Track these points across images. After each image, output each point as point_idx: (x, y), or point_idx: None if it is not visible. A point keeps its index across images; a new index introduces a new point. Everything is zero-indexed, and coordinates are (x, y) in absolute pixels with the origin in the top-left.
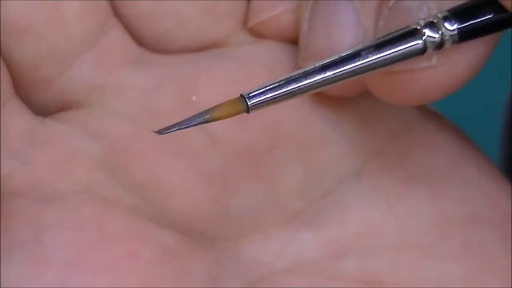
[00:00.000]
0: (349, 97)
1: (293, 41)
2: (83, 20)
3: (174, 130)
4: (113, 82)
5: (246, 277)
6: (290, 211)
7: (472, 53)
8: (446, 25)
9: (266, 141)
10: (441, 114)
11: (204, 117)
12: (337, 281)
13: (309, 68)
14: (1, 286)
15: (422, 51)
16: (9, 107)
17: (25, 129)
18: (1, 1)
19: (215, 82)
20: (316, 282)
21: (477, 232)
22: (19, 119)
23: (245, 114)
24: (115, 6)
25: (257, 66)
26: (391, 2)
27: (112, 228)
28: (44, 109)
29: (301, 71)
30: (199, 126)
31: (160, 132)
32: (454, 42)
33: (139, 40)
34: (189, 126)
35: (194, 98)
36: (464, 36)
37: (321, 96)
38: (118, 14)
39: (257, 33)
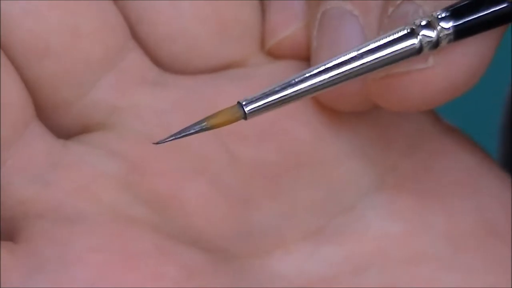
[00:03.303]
0: (361, 112)
1: (309, 59)
2: (102, 43)
3: (172, 140)
4: (132, 104)
5: None
6: (311, 227)
7: (470, 54)
8: (442, 23)
9: (285, 159)
10: (456, 127)
11: (201, 125)
12: None
13: (305, 73)
14: None
15: (418, 50)
16: (31, 130)
17: (47, 152)
18: (19, 23)
19: (231, 102)
20: None
21: (495, 245)
22: (41, 141)
23: (243, 121)
24: (133, 28)
25: None
26: (390, 10)
27: (136, 247)
28: (65, 132)
29: (297, 76)
30: (219, 143)
31: (158, 142)
32: (450, 41)
33: (157, 61)
34: (187, 135)
35: None
36: (460, 34)
37: (336, 114)
38: (136, 36)
39: (274, 54)
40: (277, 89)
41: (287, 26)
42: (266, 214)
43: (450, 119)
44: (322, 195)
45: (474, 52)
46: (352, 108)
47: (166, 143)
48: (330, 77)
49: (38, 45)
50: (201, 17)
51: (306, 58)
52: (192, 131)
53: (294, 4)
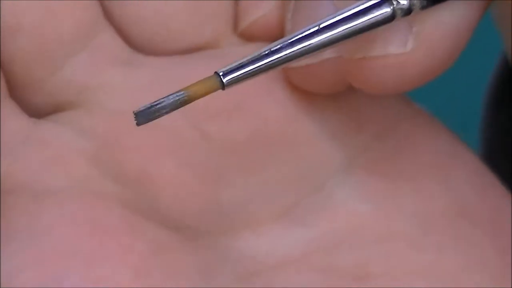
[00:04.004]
0: (333, 93)
1: None
2: (74, 21)
3: (155, 118)
4: (103, 83)
5: (237, 272)
6: (281, 206)
7: (448, 38)
8: None
9: (255, 138)
10: (428, 110)
11: (179, 96)
12: (329, 274)
13: (281, 42)
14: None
15: (391, 18)
16: (3, 108)
17: (18, 130)
18: None
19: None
20: (307, 276)
21: (466, 226)
22: (12, 120)
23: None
24: (106, 8)
25: None
26: None
27: (105, 222)
28: (37, 111)
29: (273, 45)
30: (190, 121)
31: (138, 123)
32: (423, 7)
33: (128, 41)
34: (169, 112)
35: None
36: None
37: (308, 94)
38: (108, 16)
39: (247, 36)
40: (254, 58)
41: (260, 8)
42: (235, 193)
43: (427, 107)
44: (293, 174)
45: (452, 36)
46: (326, 90)
47: (149, 122)
48: (306, 44)
49: (9, 22)
50: None
51: (278, 39)
52: (172, 106)
53: None
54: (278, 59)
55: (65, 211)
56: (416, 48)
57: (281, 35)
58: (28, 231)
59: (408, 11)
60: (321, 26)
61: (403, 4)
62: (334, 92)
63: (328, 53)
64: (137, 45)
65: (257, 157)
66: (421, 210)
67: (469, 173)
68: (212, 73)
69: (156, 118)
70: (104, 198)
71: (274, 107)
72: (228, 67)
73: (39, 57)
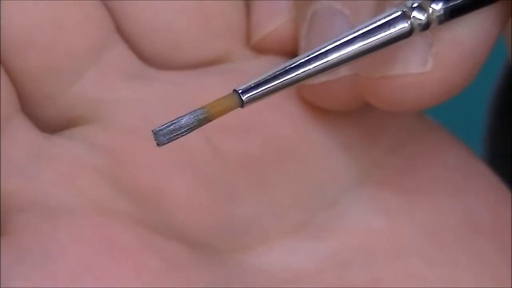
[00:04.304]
0: (348, 111)
1: (296, 54)
2: (86, 37)
3: (176, 138)
4: (116, 98)
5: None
6: (294, 222)
7: (468, 57)
8: (433, 5)
9: (268, 154)
10: (441, 124)
11: (198, 115)
12: None
13: (299, 59)
14: None
15: (409, 33)
16: (15, 124)
17: (31, 145)
18: (3, 16)
19: (218, 97)
20: None
21: (478, 242)
22: (25, 135)
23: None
24: (118, 22)
25: None
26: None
27: (119, 240)
28: (49, 126)
29: (292, 61)
30: (202, 136)
31: (159, 143)
32: (441, 22)
33: (141, 56)
34: (190, 131)
35: None
36: (450, 14)
37: (320, 110)
38: (120, 30)
39: (259, 49)
40: (272, 75)
41: (273, 21)
42: (249, 209)
43: (435, 117)
44: (305, 190)
45: (471, 55)
46: (340, 107)
47: (170, 142)
48: (325, 61)
49: (22, 38)
50: (185, 11)
51: (291, 53)
52: (193, 126)
53: None
54: (296, 76)
55: (79, 229)
56: (435, 68)
57: (293, 48)
58: (41, 250)
59: (426, 26)
60: (341, 41)
61: (421, 19)
62: (348, 109)
63: (344, 70)
64: (149, 60)
65: (270, 173)
66: (434, 225)
67: (482, 187)
68: (225, 87)
69: (177, 138)
70: (117, 215)
71: (286, 123)
72: (246, 85)
73: (51, 72)
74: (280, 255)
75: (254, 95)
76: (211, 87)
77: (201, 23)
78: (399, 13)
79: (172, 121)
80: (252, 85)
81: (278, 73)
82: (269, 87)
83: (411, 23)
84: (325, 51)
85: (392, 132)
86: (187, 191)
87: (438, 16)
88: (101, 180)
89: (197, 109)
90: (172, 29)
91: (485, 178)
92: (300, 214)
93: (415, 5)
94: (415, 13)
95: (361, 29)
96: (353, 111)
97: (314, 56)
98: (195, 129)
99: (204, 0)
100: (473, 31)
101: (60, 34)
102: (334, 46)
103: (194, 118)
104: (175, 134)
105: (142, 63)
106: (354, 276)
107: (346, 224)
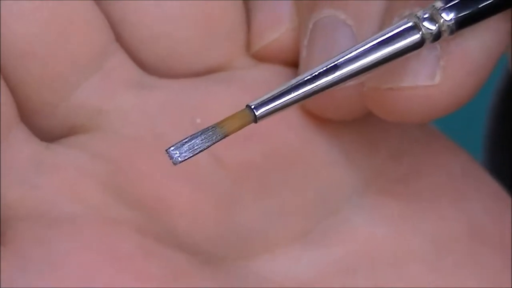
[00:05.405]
0: (350, 120)
1: (296, 63)
2: (86, 46)
3: (191, 156)
4: (116, 106)
5: None
6: (297, 230)
7: (475, 70)
8: (443, 15)
9: (270, 162)
10: (442, 132)
11: (215, 133)
12: None
13: (313, 72)
14: None
15: (421, 43)
16: (15, 134)
17: (31, 154)
18: (4, 25)
19: (219, 105)
20: None
21: (481, 248)
22: (25, 145)
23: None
24: (117, 31)
25: (262, 89)
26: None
27: (122, 248)
28: (50, 134)
29: (305, 76)
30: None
31: (175, 161)
32: (452, 32)
33: (141, 64)
34: (205, 149)
35: (198, 120)
36: (461, 24)
37: (322, 119)
38: (120, 39)
39: (260, 57)
40: (284, 90)
41: (274, 30)
42: (252, 217)
43: (435, 124)
44: (308, 198)
45: (478, 69)
46: (343, 116)
47: (185, 160)
48: (335, 76)
49: (22, 47)
50: (185, 19)
51: (292, 61)
52: (209, 143)
53: (280, 5)
54: (308, 90)
55: (80, 238)
56: (443, 81)
57: (294, 57)
58: (43, 259)
59: (437, 37)
60: (353, 53)
61: (431, 30)
62: (350, 119)
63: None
64: (150, 68)
65: (272, 181)
66: (437, 232)
67: (484, 194)
68: (226, 94)
69: (192, 156)
70: (119, 224)
71: (288, 132)
72: (259, 100)
73: (51, 81)
74: (283, 263)
75: (267, 110)
76: (212, 95)
77: (201, 31)
78: (410, 23)
79: (185, 139)
80: (265, 101)
81: (290, 88)
82: (281, 102)
83: (423, 34)
84: (337, 64)
85: (394, 140)
86: (190, 199)
87: (449, 26)
88: (103, 189)
89: (211, 127)
90: (172, 37)
91: (486, 185)
92: (303, 222)
93: (425, 15)
94: (426, 24)
95: (373, 40)
96: (354, 122)
97: (325, 70)
98: (210, 146)
99: (204, 8)
100: (481, 44)
101: (60, 43)
102: (348, 58)
103: (208, 136)
104: (190, 152)
105: (143, 72)
106: (358, 283)
107: (349, 232)
